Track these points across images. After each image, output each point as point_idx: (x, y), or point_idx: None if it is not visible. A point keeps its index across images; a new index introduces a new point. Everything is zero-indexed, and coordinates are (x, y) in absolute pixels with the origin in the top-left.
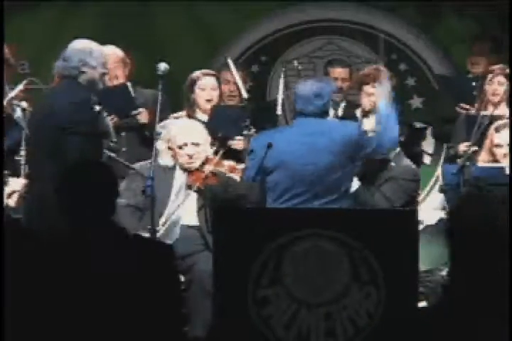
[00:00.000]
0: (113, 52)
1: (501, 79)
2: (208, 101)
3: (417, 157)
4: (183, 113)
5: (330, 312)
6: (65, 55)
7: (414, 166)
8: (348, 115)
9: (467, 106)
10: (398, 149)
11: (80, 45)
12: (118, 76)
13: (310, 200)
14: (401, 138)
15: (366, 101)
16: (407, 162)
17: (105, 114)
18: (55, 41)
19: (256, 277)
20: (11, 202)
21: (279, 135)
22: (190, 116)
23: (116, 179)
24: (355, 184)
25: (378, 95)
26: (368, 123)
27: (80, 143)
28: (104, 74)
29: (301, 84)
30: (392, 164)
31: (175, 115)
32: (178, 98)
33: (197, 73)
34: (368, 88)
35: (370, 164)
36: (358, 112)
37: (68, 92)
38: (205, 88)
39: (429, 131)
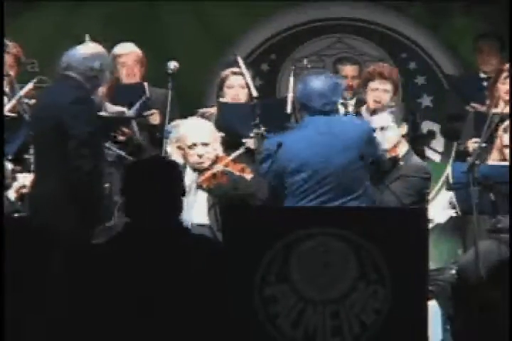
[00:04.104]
0: (133, 51)
1: None
2: (235, 99)
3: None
4: (212, 109)
5: (337, 311)
6: (86, 55)
7: (424, 164)
8: (355, 113)
9: (477, 105)
10: (408, 148)
11: (101, 51)
12: (135, 74)
13: (332, 200)
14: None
15: (371, 97)
16: (417, 159)
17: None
18: (64, 40)
19: (263, 275)
20: (15, 195)
21: (295, 135)
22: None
23: (182, 176)
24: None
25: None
26: (377, 121)
27: (82, 142)
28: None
29: (314, 80)
30: (401, 163)
31: (203, 110)
32: (185, 97)
33: (226, 72)
34: (372, 84)
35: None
36: (364, 110)
37: (71, 91)
38: (234, 86)
39: (438, 130)
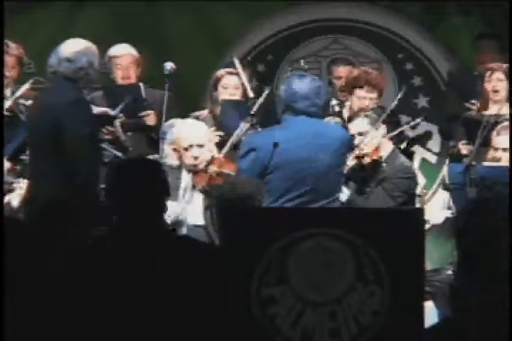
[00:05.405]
0: (128, 52)
1: (499, 75)
2: None
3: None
4: (205, 111)
5: (334, 311)
6: (70, 55)
7: (408, 163)
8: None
9: (476, 102)
10: (392, 148)
11: (84, 46)
12: (130, 76)
13: (311, 201)
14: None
15: (356, 104)
16: (401, 160)
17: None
18: (61, 41)
19: (261, 276)
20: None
21: (279, 134)
22: (214, 114)
23: (165, 177)
24: (346, 192)
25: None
26: (353, 127)
27: (80, 144)
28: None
29: (297, 82)
30: (384, 164)
31: (196, 113)
32: (185, 98)
33: (221, 71)
34: (360, 92)
35: (362, 167)
36: (345, 112)
37: (67, 93)
38: (228, 87)
39: (434, 130)
